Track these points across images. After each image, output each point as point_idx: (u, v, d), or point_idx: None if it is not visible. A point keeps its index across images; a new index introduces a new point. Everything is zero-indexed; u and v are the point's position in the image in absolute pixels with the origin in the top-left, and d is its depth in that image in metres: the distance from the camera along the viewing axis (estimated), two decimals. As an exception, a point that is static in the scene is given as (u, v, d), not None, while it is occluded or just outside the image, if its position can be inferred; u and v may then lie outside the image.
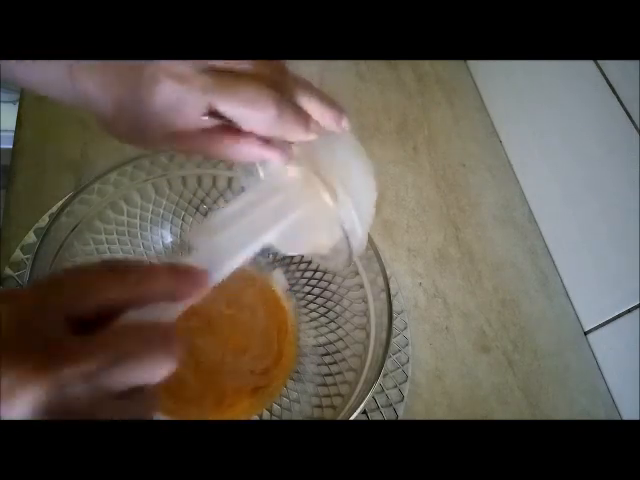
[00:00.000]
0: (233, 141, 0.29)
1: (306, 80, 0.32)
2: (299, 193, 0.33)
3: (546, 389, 0.57)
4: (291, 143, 0.31)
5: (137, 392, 0.23)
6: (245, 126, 0.29)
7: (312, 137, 0.30)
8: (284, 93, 0.30)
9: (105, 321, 0.23)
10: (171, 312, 0.26)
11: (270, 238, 0.31)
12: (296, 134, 0.30)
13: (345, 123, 0.32)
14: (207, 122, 0.29)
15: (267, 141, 0.30)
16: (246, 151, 0.30)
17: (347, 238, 0.33)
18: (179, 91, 0.27)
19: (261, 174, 0.37)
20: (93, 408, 0.22)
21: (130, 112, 0.29)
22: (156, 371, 0.23)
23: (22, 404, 0.20)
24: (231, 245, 0.29)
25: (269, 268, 0.54)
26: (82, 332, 0.22)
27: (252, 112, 0.28)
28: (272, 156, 0.30)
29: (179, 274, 0.26)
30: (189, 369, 0.48)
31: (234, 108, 0.28)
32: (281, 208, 0.32)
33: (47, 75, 0.29)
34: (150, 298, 0.25)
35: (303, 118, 0.30)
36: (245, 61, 0.29)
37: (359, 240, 0.34)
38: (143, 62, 0.28)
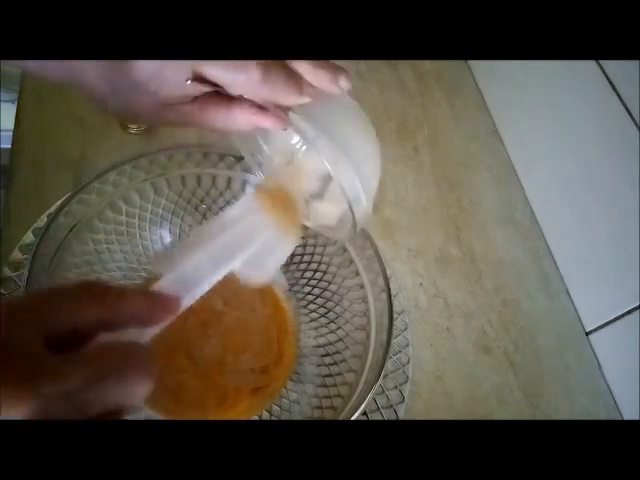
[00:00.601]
0: (225, 109, 0.29)
1: None
2: (261, 221, 0.33)
3: (547, 389, 0.57)
4: (287, 109, 0.30)
5: (114, 416, 0.23)
6: (232, 90, 0.28)
7: (305, 100, 0.29)
8: None
9: (80, 341, 0.23)
10: (143, 336, 0.27)
11: (234, 266, 0.31)
12: (287, 97, 0.29)
13: (344, 82, 0.30)
14: (194, 89, 0.28)
15: (262, 108, 0.29)
16: (240, 119, 0.29)
17: (350, 206, 0.32)
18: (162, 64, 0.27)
19: (265, 148, 0.36)
20: None
21: (117, 85, 0.28)
22: (135, 390, 0.23)
23: None
24: (196, 274, 0.30)
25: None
26: (57, 351, 0.22)
27: (236, 75, 0.27)
28: (267, 123, 0.29)
29: (151, 299, 0.26)
30: (189, 371, 0.48)
31: (218, 71, 0.27)
32: (244, 236, 0.32)
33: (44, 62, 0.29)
34: (123, 321, 0.25)
35: (294, 80, 0.29)
36: None
37: (363, 208, 0.34)
38: None
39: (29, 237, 0.49)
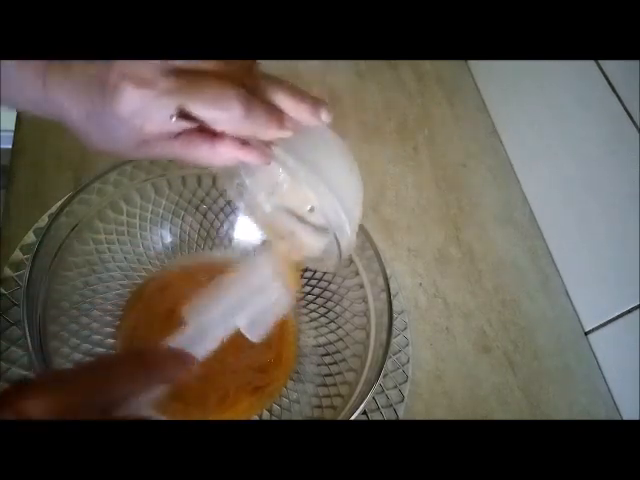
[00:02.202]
0: (209, 145, 0.29)
1: (278, 77, 0.31)
2: (268, 279, 0.36)
3: (546, 389, 0.57)
4: (270, 143, 0.30)
5: None
6: (215, 126, 0.29)
7: (287, 134, 0.30)
8: (254, 91, 0.29)
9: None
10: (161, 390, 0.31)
11: (242, 320, 0.35)
12: (269, 131, 0.29)
13: (325, 115, 0.30)
14: (176, 126, 0.28)
15: (245, 143, 0.30)
16: (223, 154, 0.29)
17: (335, 237, 0.33)
18: (143, 96, 0.27)
19: (247, 182, 0.36)
20: None
21: (100, 121, 0.29)
22: None
23: None
24: (209, 330, 0.33)
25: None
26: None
27: (218, 112, 0.28)
28: (250, 157, 0.30)
29: (176, 360, 0.31)
30: (189, 370, 0.48)
31: (200, 109, 0.28)
32: (251, 293, 0.35)
33: (21, 89, 0.30)
34: (156, 383, 0.30)
35: (275, 115, 0.29)
36: (210, 60, 0.28)
37: (347, 239, 0.34)
38: (108, 68, 0.27)
39: (30, 237, 0.49)
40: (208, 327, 0.33)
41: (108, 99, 0.27)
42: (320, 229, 0.35)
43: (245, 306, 0.34)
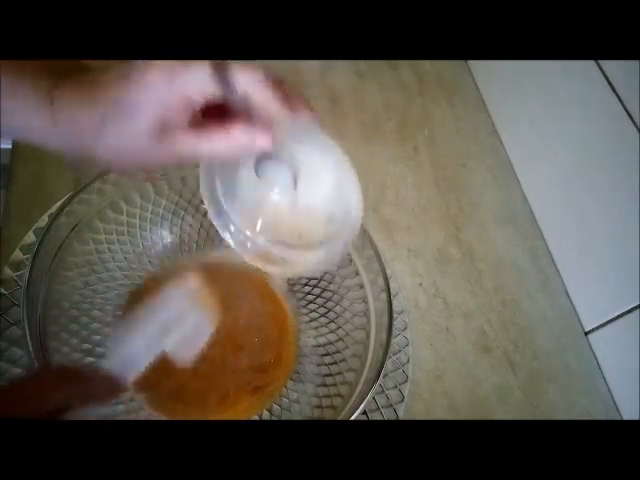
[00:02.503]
0: (223, 129, 0.30)
1: None
2: (188, 305, 0.36)
3: (546, 389, 0.57)
4: (271, 130, 0.31)
5: None
6: (240, 87, 0.30)
7: (286, 115, 0.31)
8: None
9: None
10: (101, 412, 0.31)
11: (165, 347, 0.35)
12: (284, 101, 0.31)
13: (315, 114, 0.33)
14: (202, 95, 0.29)
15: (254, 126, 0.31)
16: (238, 136, 0.30)
17: (345, 240, 0.34)
18: (173, 66, 0.28)
19: (233, 217, 0.36)
20: None
21: (116, 116, 0.29)
22: None
23: None
24: (136, 357, 0.34)
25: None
26: None
27: (247, 72, 0.29)
28: (264, 139, 0.30)
29: (104, 381, 0.32)
30: (189, 371, 0.48)
31: (234, 70, 0.29)
32: (172, 321, 0.36)
33: (29, 121, 0.30)
34: (86, 400, 0.30)
35: (282, 90, 0.31)
36: None
37: (353, 235, 0.36)
38: (129, 66, 0.28)
39: (30, 237, 0.49)
40: (132, 356, 0.34)
41: (133, 82, 0.28)
42: (312, 245, 0.36)
43: (169, 332, 0.35)
